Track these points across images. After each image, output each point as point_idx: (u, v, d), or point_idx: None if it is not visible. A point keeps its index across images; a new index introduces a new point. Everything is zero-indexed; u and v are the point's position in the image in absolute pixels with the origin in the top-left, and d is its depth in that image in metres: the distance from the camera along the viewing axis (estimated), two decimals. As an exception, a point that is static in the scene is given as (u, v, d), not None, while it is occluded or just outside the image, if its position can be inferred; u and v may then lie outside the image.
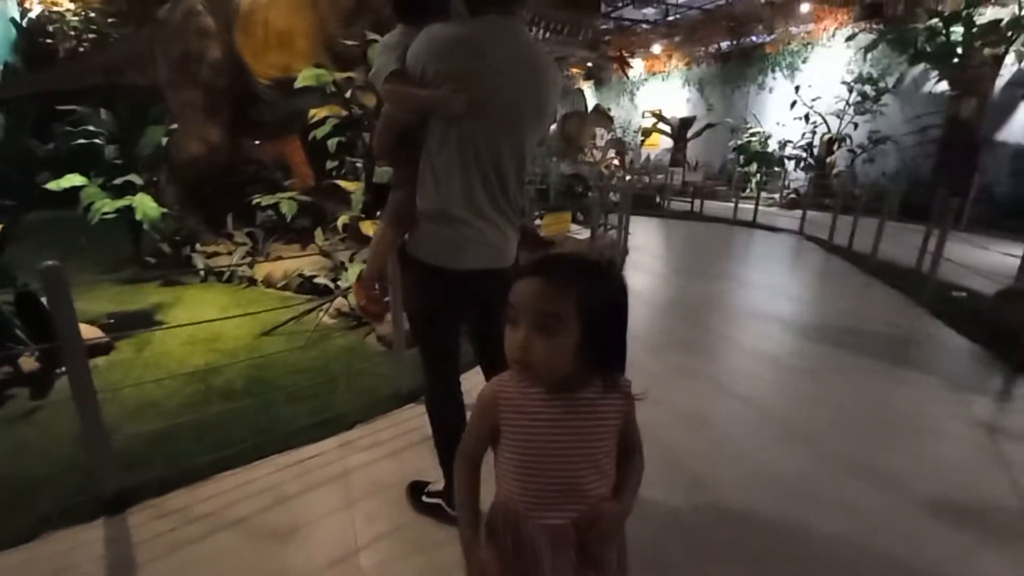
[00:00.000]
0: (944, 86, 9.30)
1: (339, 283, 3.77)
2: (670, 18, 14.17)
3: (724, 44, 14.40)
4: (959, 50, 8.56)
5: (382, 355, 3.02)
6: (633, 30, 15.01)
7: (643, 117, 16.13)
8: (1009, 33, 8.10)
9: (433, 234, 1.42)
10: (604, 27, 14.30)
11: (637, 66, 17.62)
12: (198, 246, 4.73)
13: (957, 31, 8.48)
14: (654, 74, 17.37)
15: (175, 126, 4.68)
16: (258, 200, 4.56)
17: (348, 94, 3.33)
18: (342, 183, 3.59)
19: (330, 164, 4.86)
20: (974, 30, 8.30)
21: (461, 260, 1.43)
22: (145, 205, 3.94)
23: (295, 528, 1.72)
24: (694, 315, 4.07)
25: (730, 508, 1.84)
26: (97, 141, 4.48)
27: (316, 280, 4.04)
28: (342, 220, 3.60)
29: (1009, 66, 8.64)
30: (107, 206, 3.93)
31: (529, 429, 0.84)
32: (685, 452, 2.17)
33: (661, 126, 14.95)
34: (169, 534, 1.68)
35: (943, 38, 8.63)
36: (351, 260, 3.97)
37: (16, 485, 1.87)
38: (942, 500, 1.92)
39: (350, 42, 3.56)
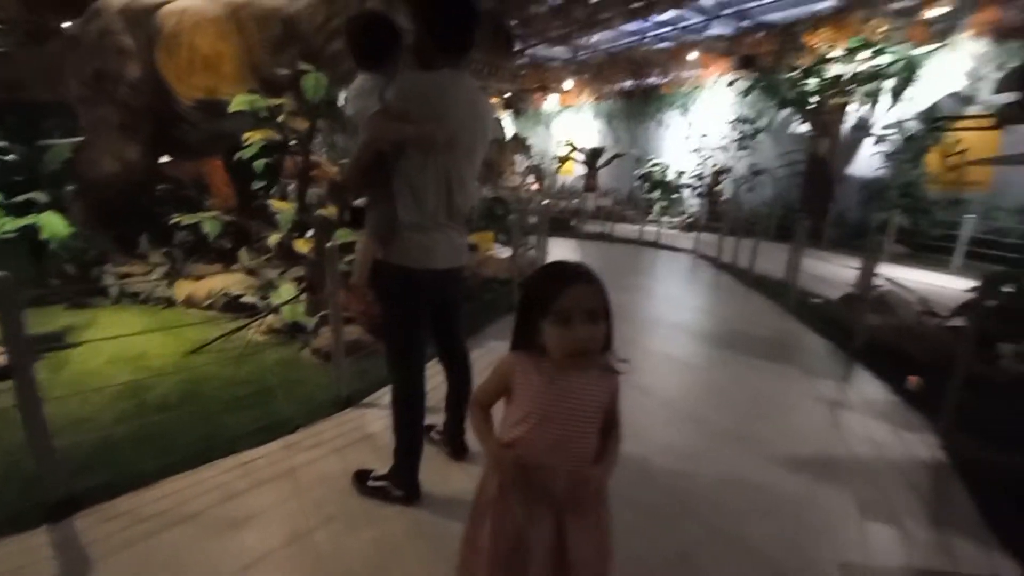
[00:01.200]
0: (806, 127, 10.94)
1: (269, 301, 3.83)
2: (579, 57, 15.34)
3: (627, 83, 15.82)
4: (813, 98, 10.18)
5: (318, 367, 3.15)
6: (547, 66, 16.06)
7: (558, 146, 17.18)
8: (848, 87, 9.80)
9: (413, 241, 1.75)
10: (520, 63, 15.18)
11: (551, 99, 18.78)
12: (108, 267, 4.53)
13: (811, 82, 10.10)
14: (567, 107, 18.60)
15: (83, 141, 4.50)
16: (178, 219, 4.48)
17: (280, 118, 3.48)
18: (275, 202, 3.69)
19: (256, 184, 4.91)
20: (823, 82, 9.93)
21: (435, 261, 1.80)
22: (53, 224, 3.77)
23: (249, 517, 1.86)
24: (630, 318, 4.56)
25: (627, 468, 2.23)
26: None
27: (243, 299, 4.05)
28: (274, 239, 3.69)
29: (853, 112, 10.39)
30: (7, 224, 3.72)
31: (537, 393, 1.05)
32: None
33: (574, 154, 16.02)
34: (120, 533, 1.76)
35: (801, 88, 10.23)
36: (280, 277, 4.05)
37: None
38: (792, 453, 2.45)
39: (281, 70, 3.72)
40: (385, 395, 2.79)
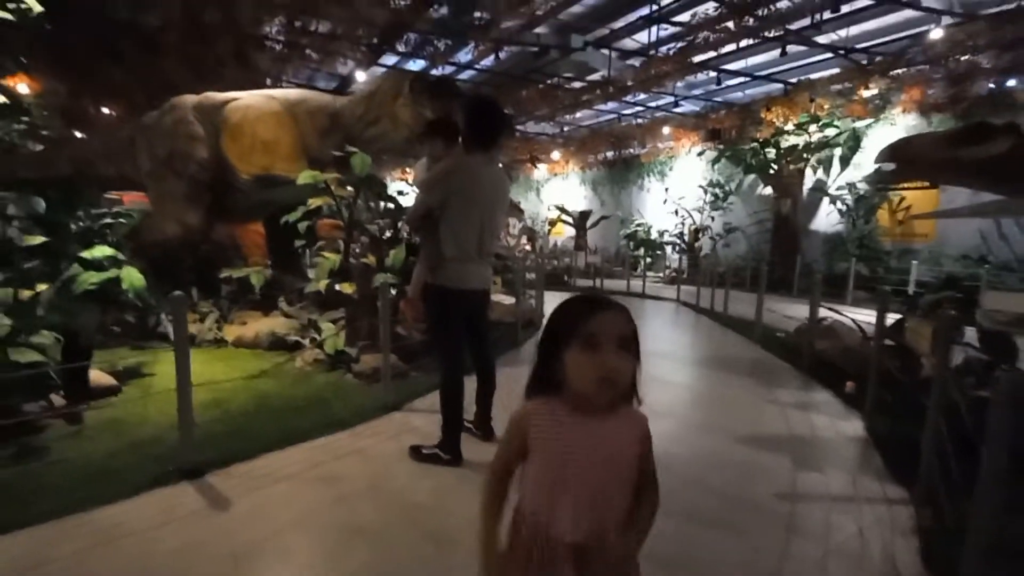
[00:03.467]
0: (769, 190, 12.20)
1: (314, 336, 4.51)
2: (565, 131, 16.96)
3: (609, 153, 17.40)
4: (773, 165, 11.50)
5: (361, 386, 3.79)
6: (536, 140, 17.64)
7: (548, 210, 18.47)
8: (804, 155, 11.14)
9: (454, 269, 2.53)
10: (512, 138, 16.73)
11: (541, 168, 20.38)
12: (164, 315, 5.20)
13: (771, 152, 11.45)
14: (555, 175, 20.17)
15: (151, 209, 5.33)
16: (228, 273, 5.23)
17: (333, 188, 4.33)
18: (325, 254, 4.46)
19: (298, 243, 5.72)
20: (780, 152, 11.28)
21: (469, 283, 2.57)
22: (132, 276, 4.47)
23: (333, 476, 2.47)
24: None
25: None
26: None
27: (288, 338, 4.73)
28: (320, 285, 4.42)
29: (810, 176, 11.68)
30: (92, 278, 4.42)
31: (560, 442, 0.91)
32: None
33: (564, 217, 17.24)
34: (240, 487, 2.36)
35: (761, 156, 11.57)
36: (320, 318, 4.75)
37: (109, 463, 2.43)
38: (749, 435, 3.11)
39: (332, 151, 4.65)
40: (421, 403, 3.44)
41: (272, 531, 2.01)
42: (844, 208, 10.91)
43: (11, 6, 3.13)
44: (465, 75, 11.49)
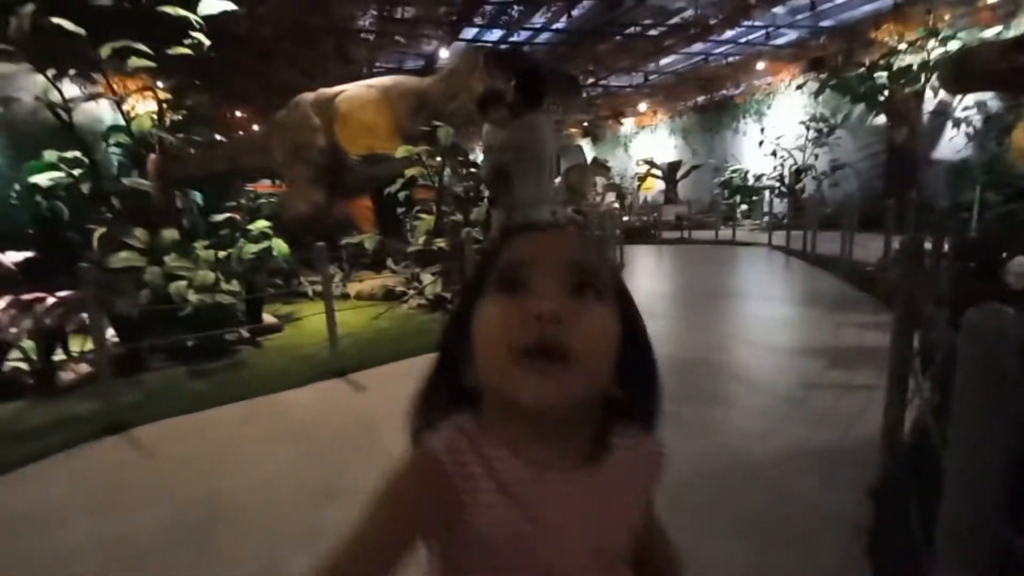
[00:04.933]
0: (882, 119, 11.07)
1: (415, 286, 5.43)
2: (650, 80, 16.45)
3: (699, 98, 16.60)
4: (885, 91, 10.41)
5: (455, 322, 4.61)
6: (620, 94, 17.32)
7: (637, 165, 18.19)
8: (922, 75, 9.94)
9: (522, 213, 3.11)
10: (594, 94, 16.61)
11: (628, 123, 19.95)
12: (302, 278, 6.46)
13: (882, 75, 10.36)
14: (643, 127, 19.65)
15: (286, 191, 6.56)
16: (346, 241, 6.34)
17: (425, 159, 5.13)
18: (423, 216, 5.31)
19: (400, 210, 6.68)
20: (892, 74, 10.17)
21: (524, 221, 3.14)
22: (280, 246, 5.69)
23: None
24: (681, 297, 5.64)
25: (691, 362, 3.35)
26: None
27: (397, 289, 5.71)
28: (421, 242, 5.29)
29: (932, 101, 10.41)
30: (253, 248, 5.68)
31: (508, 523, 0.44)
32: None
33: (653, 171, 16.93)
34: (378, 380, 3.24)
35: (872, 82, 10.50)
36: (422, 272, 5.66)
37: (284, 367, 3.46)
38: (832, 355, 3.42)
39: (420, 127, 5.43)
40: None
41: (391, 405, 2.83)
42: (971, 131, 9.67)
43: (187, 42, 4.22)
44: (542, 38, 11.73)
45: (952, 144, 10.14)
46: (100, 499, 2.03)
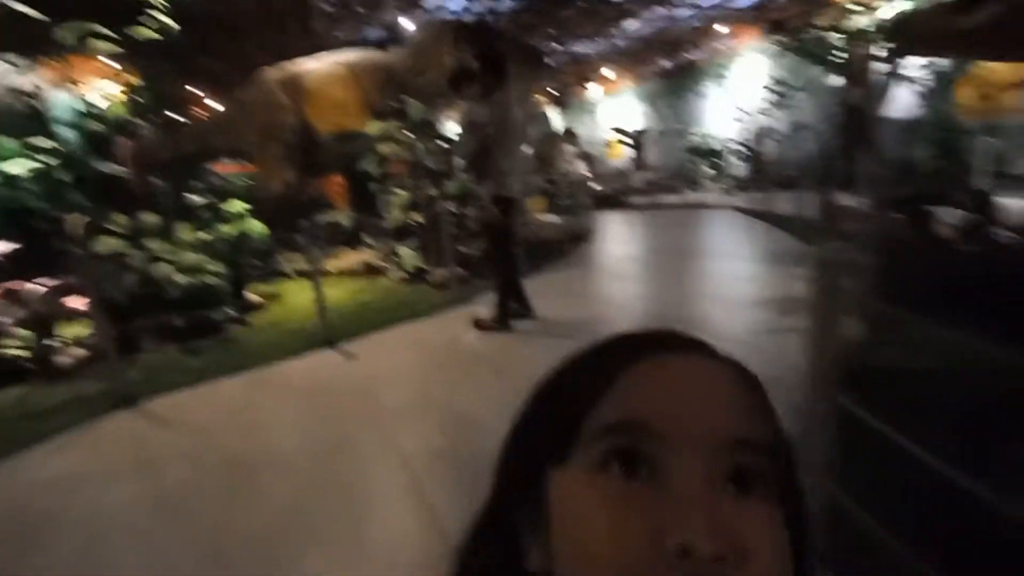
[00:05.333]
0: (839, 80, 11.46)
1: (394, 261, 5.60)
2: (615, 45, 16.46)
3: (664, 63, 16.74)
4: (838, 53, 10.77)
5: (435, 292, 4.83)
6: (584, 60, 17.29)
7: (606, 133, 18.35)
8: (873, 36, 10.31)
9: (505, 177, 3.30)
10: (560, 60, 16.55)
11: (596, 90, 19.97)
12: (279, 256, 6.54)
13: (835, 37, 10.69)
14: (610, 94, 19.72)
15: (256, 171, 6.56)
16: (321, 218, 6.42)
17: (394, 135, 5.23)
18: (397, 191, 5.45)
19: (373, 186, 6.76)
20: (844, 36, 10.51)
21: (512, 190, 3.34)
22: (256, 227, 5.75)
23: (425, 341, 3.51)
24: (649, 259, 5.96)
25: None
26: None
27: (376, 263, 5.87)
28: (396, 216, 5.43)
29: (884, 60, 10.82)
30: (231, 228, 5.74)
31: None
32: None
33: (622, 138, 17.12)
34: (370, 348, 3.46)
35: (827, 43, 10.84)
36: (398, 246, 5.83)
37: (275, 341, 3.65)
38: (780, 304, 3.77)
39: (389, 103, 5.50)
40: (480, 299, 4.41)
41: (383, 370, 3.08)
42: (923, 90, 10.14)
43: (155, 26, 4.18)
44: (505, 5, 11.62)
45: (904, 103, 10.63)
46: (127, 464, 2.23)
